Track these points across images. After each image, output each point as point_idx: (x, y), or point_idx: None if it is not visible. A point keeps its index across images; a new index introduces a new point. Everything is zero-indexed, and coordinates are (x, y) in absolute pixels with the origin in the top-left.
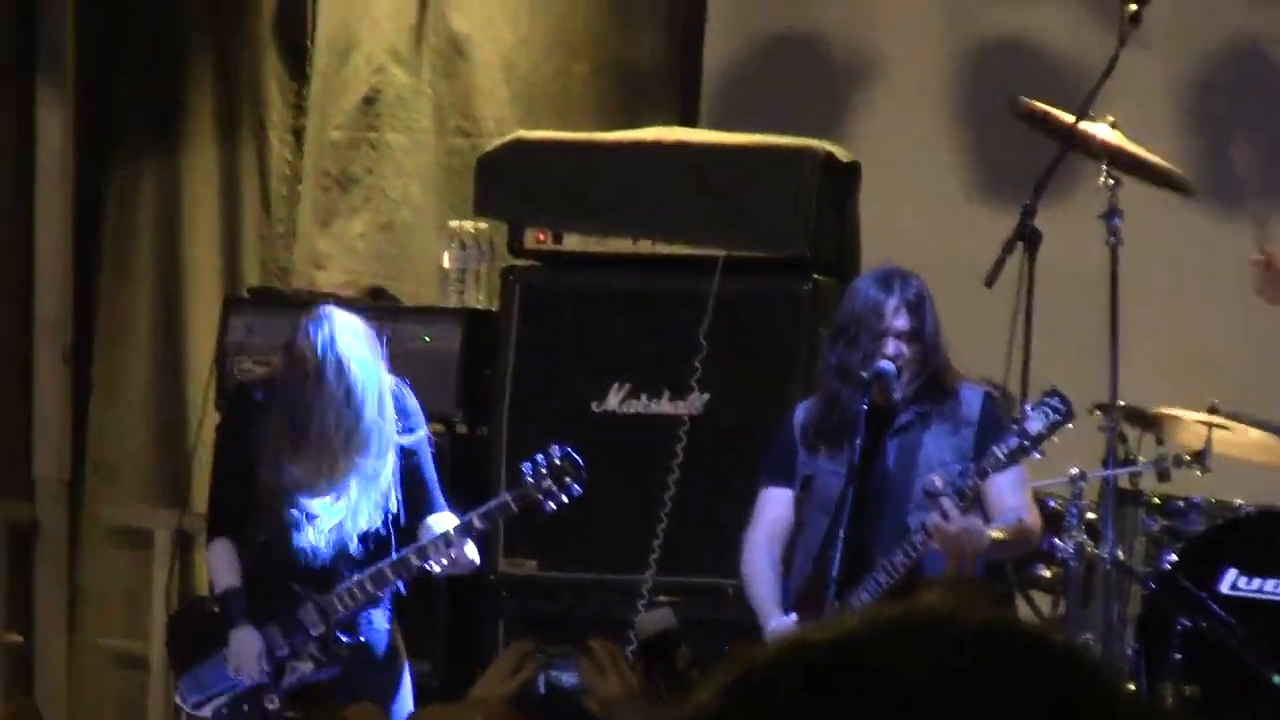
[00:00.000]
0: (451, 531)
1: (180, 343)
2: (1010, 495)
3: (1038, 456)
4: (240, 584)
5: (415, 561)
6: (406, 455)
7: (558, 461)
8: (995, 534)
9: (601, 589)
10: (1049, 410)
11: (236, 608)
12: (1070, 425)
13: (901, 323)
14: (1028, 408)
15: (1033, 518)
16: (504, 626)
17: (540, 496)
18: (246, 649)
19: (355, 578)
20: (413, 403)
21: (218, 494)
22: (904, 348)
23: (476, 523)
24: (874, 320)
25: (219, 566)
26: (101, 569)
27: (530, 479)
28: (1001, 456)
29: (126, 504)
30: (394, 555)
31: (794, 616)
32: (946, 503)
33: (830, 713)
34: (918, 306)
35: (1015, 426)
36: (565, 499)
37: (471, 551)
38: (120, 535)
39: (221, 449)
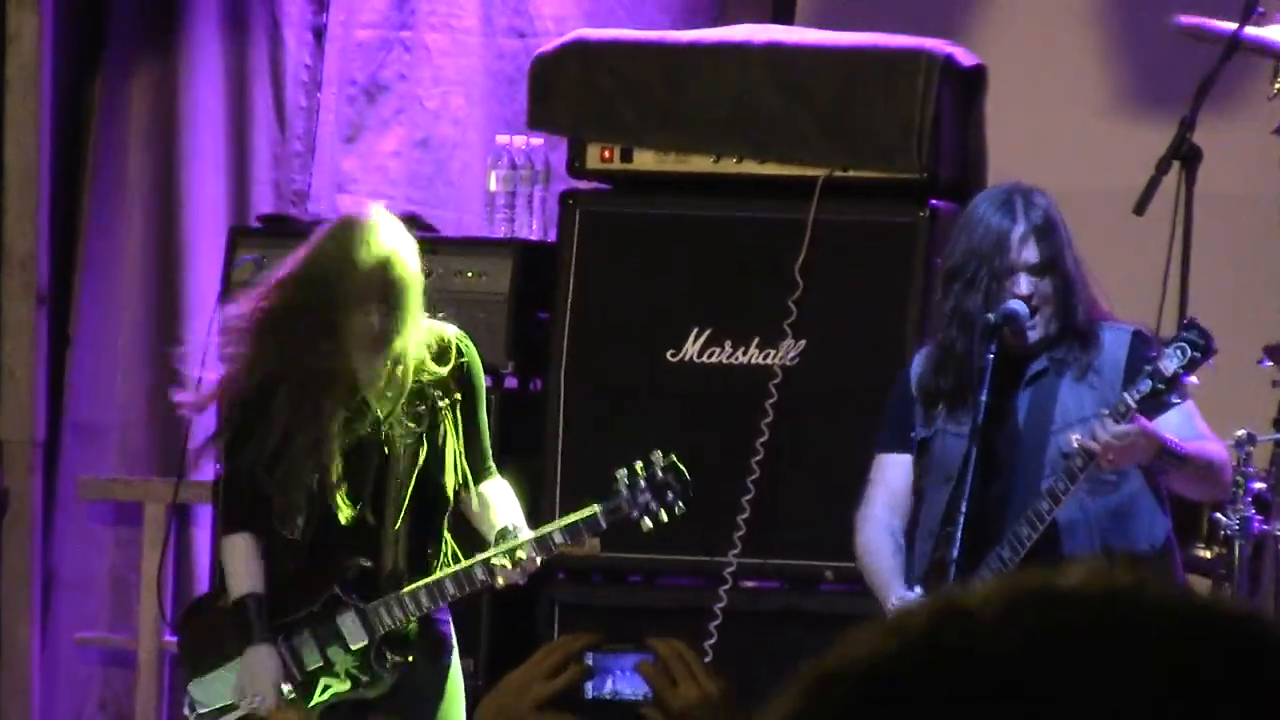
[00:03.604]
0: (530, 548)
1: (177, 282)
2: (1183, 429)
3: (1175, 401)
4: (263, 589)
5: (481, 576)
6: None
7: (660, 473)
8: (1175, 444)
9: (676, 573)
10: (1185, 345)
11: (257, 619)
12: (1211, 362)
13: (1031, 254)
14: (1165, 346)
15: (1219, 446)
16: (559, 617)
17: (635, 514)
18: (262, 671)
19: (409, 588)
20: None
21: (235, 480)
22: (1038, 283)
23: (557, 538)
24: (996, 256)
25: (237, 569)
26: (81, 548)
27: (626, 490)
28: (1131, 403)
29: (111, 472)
30: (455, 567)
31: (918, 590)
32: (1095, 423)
33: (933, 709)
34: (1048, 231)
35: (1148, 368)
36: (665, 517)
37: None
38: (104, 509)
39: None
